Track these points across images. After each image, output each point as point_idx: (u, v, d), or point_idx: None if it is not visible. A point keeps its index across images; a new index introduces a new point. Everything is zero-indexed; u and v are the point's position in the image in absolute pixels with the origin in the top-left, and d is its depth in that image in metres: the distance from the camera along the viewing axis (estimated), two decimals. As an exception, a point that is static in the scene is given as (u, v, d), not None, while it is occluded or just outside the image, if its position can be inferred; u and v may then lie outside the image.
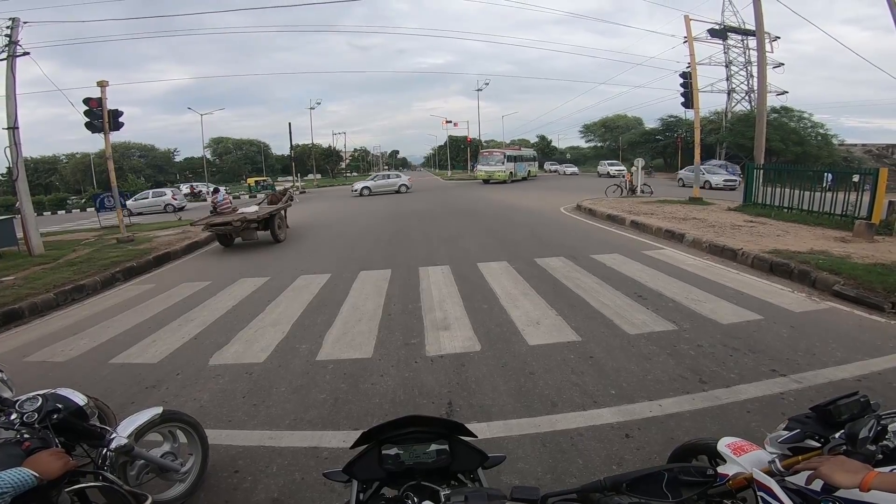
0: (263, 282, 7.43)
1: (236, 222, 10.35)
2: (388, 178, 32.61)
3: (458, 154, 72.84)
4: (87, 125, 11.74)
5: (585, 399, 3.27)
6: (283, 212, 12.48)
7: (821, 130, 40.66)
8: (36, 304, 6.32)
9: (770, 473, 1.45)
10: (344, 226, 14.53)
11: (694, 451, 1.99)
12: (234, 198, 31.25)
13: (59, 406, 1.84)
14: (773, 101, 37.18)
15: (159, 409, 2.32)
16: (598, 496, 0.96)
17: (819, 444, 1.50)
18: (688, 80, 15.55)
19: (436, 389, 3.57)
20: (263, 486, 2.56)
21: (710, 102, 49.62)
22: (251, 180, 41.97)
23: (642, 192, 18.65)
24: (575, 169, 52.09)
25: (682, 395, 3.22)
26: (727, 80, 43.15)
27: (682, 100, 15.92)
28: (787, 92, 39.01)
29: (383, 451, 1.19)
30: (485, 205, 18.51)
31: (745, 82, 42.07)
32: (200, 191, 36.94)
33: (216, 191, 13.34)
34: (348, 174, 78.29)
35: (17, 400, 1.78)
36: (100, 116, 11.59)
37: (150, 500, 1.84)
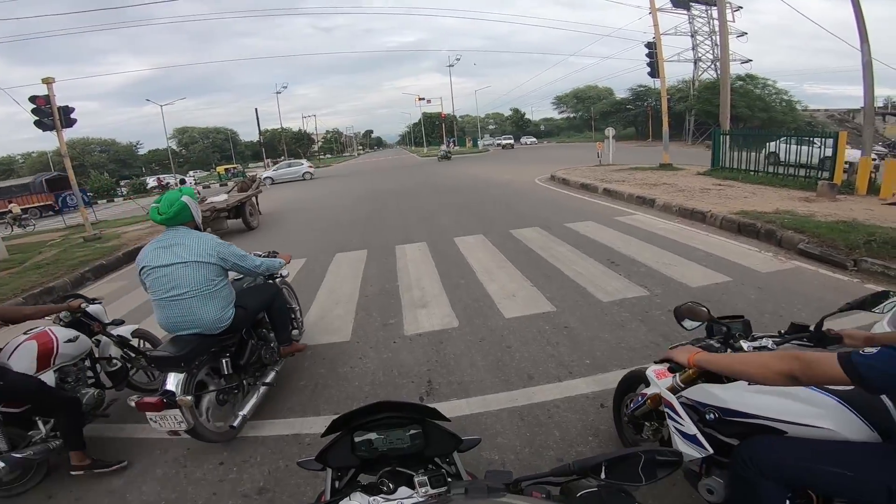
0: (237, 270, 7.25)
1: (205, 212, 9.89)
2: (291, 166, 33.73)
3: (434, 130, 72.25)
4: (37, 123, 11.13)
5: (561, 370, 3.32)
6: (254, 198, 12.15)
7: (785, 97, 41.47)
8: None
9: (673, 390, 1.64)
10: (318, 208, 14.26)
11: (638, 380, 2.17)
12: (204, 187, 30.78)
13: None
14: (737, 69, 38.44)
15: None
16: (570, 479, 0.93)
17: None
18: (653, 50, 15.71)
19: (415, 368, 3.58)
20: (249, 475, 2.58)
21: (678, 72, 49.70)
22: (221, 168, 40.99)
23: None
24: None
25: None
26: (693, 49, 43.59)
27: (649, 70, 16.15)
28: (751, 60, 40.31)
29: (356, 438, 1.15)
30: (461, 180, 18.38)
31: (711, 51, 42.36)
32: (168, 183, 35.52)
33: (182, 182, 13.01)
34: (322, 157, 76.90)
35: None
36: (49, 114, 11.00)
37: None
